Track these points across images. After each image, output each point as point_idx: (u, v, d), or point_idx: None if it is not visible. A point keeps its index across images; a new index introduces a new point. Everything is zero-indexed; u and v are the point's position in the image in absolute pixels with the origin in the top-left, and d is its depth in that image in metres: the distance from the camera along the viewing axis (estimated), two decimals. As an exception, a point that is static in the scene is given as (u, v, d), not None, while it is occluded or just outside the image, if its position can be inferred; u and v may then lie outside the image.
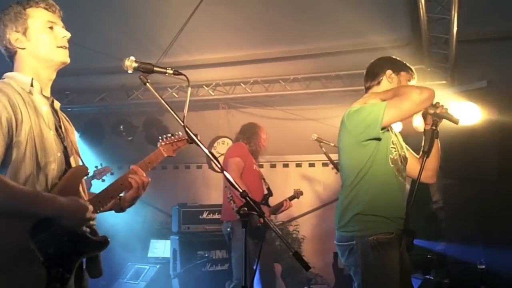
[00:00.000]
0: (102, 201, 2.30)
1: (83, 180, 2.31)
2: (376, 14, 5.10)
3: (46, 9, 2.23)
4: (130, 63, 2.30)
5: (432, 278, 5.89)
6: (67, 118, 2.44)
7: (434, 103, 3.05)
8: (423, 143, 3.08)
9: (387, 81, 3.17)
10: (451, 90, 5.50)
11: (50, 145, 2.14)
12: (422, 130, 3.14)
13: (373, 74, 3.23)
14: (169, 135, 2.72)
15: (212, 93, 6.84)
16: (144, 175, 2.43)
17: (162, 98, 2.34)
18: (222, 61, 6.28)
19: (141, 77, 2.33)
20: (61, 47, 2.23)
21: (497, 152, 5.46)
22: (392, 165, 3.03)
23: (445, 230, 6.20)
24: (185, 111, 2.28)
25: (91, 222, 2.21)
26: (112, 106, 7.27)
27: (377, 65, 3.23)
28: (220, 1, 5.04)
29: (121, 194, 2.46)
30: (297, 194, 5.75)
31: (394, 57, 3.27)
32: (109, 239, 2.26)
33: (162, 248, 7.12)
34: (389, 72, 3.17)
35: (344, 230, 3.05)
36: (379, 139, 2.97)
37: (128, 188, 2.42)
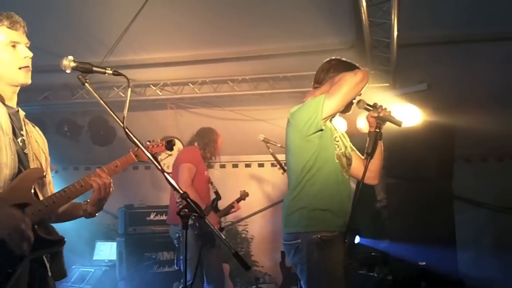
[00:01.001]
0: (58, 201, 2.28)
1: (42, 182, 2.33)
2: (322, 18, 5.20)
3: (9, 28, 2.24)
4: (68, 62, 2.30)
5: (376, 275, 6.05)
6: (36, 127, 2.52)
7: (377, 106, 3.14)
8: (367, 145, 3.15)
9: None
10: (393, 92, 5.67)
11: (4, 148, 2.15)
12: (366, 131, 3.22)
13: (319, 79, 3.29)
14: (147, 141, 2.74)
15: (160, 93, 6.77)
16: (108, 177, 2.40)
17: (101, 98, 2.33)
18: (170, 60, 6.23)
19: (80, 76, 2.33)
20: (23, 67, 2.26)
21: (436, 152, 5.67)
22: (337, 161, 3.11)
23: (389, 228, 6.37)
24: (125, 111, 2.28)
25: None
26: (56, 105, 7.08)
27: (324, 71, 3.28)
28: (167, 0, 5.01)
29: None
30: (243, 196, 5.77)
31: (343, 59, 3.31)
32: (65, 239, 2.30)
33: (108, 250, 7.00)
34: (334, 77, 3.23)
35: (290, 226, 3.11)
36: (321, 130, 3.03)
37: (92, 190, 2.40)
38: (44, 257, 2.28)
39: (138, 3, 4.78)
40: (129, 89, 2.38)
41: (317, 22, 5.27)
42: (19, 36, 2.28)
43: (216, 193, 5.35)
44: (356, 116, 5.72)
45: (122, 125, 2.25)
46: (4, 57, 2.23)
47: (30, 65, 2.30)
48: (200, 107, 7.19)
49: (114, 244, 6.71)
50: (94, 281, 6.35)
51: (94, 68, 2.31)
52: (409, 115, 5.21)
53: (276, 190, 8.11)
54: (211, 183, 5.35)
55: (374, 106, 3.14)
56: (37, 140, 2.43)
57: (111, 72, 2.33)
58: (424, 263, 5.29)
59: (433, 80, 5.50)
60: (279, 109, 6.37)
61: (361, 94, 3.27)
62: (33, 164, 2.29)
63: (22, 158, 2.24)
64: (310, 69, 3.40)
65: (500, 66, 5.67)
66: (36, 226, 2.16)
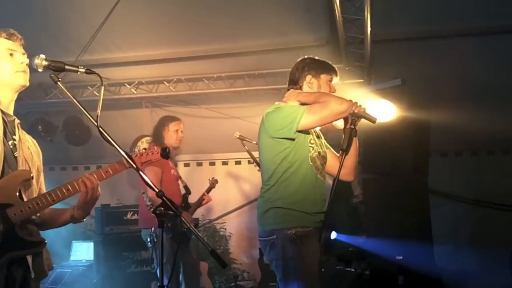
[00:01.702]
0: (42, 204, 2.29)
1: (28, 184, 2.36)
2: (297, 15, 5.22)
3: (7, 38, 2.42)
4: (40, 61, 2.33)
5: (353, 270, 6.10)
6: (33, 139, 2.62)
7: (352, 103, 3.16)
8: (342, 141, 3.18)
9: (307, 86, 3.26)
10: (368, 88, 5.71)
11: None
12: (342, 128, 3.23)
13: (294, 78, 3.31)
14: (143, 149, 2.74)
15: (135, 92, 6.71)
16: (96, 181, 2.39)
17: (74, 97, 2.33)
18: (145, 58, 6.19)
19: (52, 75, 2.34)
20: (20, 71, 2.39)
21: (412, 147, 5.71)
22: (311, 163, 3.13)
23: (365, 223, 6.42)
24: (98, 110, 2.29)
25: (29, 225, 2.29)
26: (30, 105, 6.96)
27: (298, 70, 3.30)
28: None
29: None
30: (213, 184, 5.64)
31: (316, 58, 3.34)
32: (45, 241, 2.35)
33: (85, 251, 6.93)
34: (309, 77, 3.25)
35: (264, 224, 3.13)
36: (292, 139, 3.06)
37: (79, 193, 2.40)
38: (27, 258, 2.29)
39: (111, 1, 4.74)
40: (102, 88, 2.39)
41: (292, 19, 5.29)
42: (16, 46, 2.43)
43: (186, 187, 5.23)
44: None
45: (95, 124, 2.24)
46: (3, 64, 2.38)
47: (27, 71, 2.42)
48: (175, 105, 7.14)
49: (91, 244, 6.65)
50: (71, 282, 6.28)
51: (67, 67, 2.33)
52: (384, 110, 5.24)
53: (253, 187, 8.10)
54: (180, 177, 5.22)
55: None
56: (29, 148, 2.49)
57: (83, 70, 2.34)
58: (401, 258, 5.34)
59: (407, 75, 5.55)
60: (255, 106, 6.39)
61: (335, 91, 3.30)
62: (22, 168, 2.35)
63: (10, 160, 2.30)
64: (285, 66, 3.43)
65: (473, 61, 5.76)
66: (16, 227, 2.18)
